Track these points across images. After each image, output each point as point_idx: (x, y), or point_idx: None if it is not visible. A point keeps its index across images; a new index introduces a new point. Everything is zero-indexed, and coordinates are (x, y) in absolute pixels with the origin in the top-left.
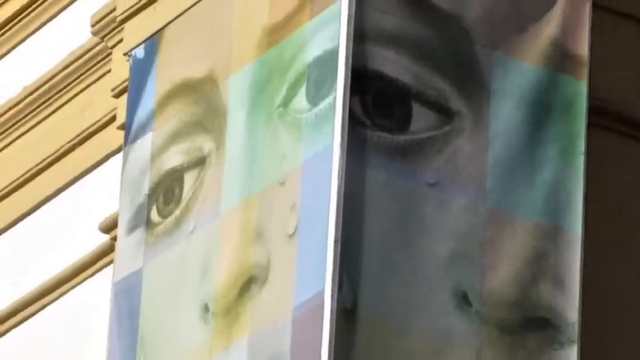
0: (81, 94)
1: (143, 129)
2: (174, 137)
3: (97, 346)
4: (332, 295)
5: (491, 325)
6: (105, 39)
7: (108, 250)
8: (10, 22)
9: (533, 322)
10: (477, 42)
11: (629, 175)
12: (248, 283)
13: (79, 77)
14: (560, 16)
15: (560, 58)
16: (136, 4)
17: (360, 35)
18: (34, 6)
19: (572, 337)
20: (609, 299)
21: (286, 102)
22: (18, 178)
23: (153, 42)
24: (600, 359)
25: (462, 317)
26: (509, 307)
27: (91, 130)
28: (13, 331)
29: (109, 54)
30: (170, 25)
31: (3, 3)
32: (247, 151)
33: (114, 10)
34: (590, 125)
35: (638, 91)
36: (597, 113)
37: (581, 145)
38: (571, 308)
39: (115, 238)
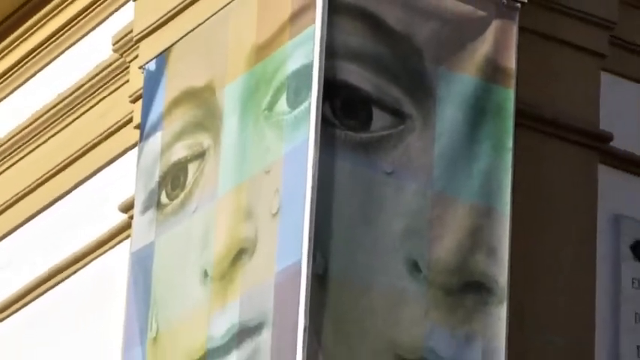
0: (104, 100)
1: (154, 128)
2: (180, 135)
3: (118, 304)
4: (307, 263)
5: (437, 288)
6: (124, 55)
7: (126, 226)
8: (47, 42)
9: (470, 286)
10: (426, 58)
11: (549, 166)
12: (239, 253)
13: (103, 86)
14: (492, 37)
15: (492, 71)
16: (149, 26)
17: (330, 52)
18: (66, 28)
19: (501, 297)
20: (533, 266)
21: (271, 106)
22: (54, 168)
23: (163, 58)
24: (525, 316)
25: (413, 281)
26: (451, 273)
27: (112, 129)
28: (50, 292)
29: (127, 67)
30: (177, 44)
31: (43, 25)
32: (239, 146)
33: (131, 31)
34: (517, 125)
35: (558, 97)
36: (523, 116)
37: (510, 142)
38: (501, 274)
39: (131, 217)
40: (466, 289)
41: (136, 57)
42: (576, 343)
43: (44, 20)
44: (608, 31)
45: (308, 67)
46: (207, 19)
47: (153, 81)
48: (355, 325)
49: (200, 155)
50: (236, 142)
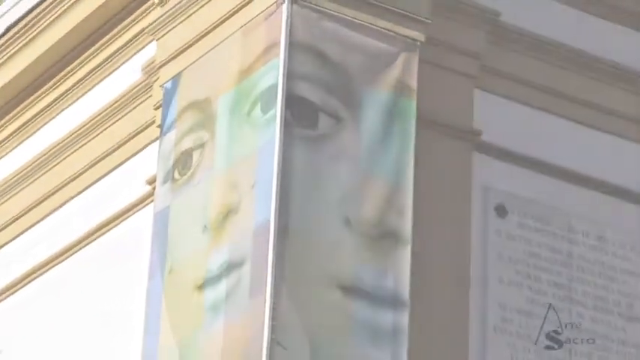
0: (136, 108)
1: (170, 127)
2: (188, 132)
3: (145, 250)
4: (274, 220)
5: (364, 237)
6: (149, 77)
7: (151, 194)
8: (98, 67)
9: (386, 235)
10: (355, 79)
11: (438, 153)
12: (228, 213)
13: (135, 98)
14: (400, 64)
15: (400, 88)
16: (167, 58)
17: (290, 76)
18: (110, 58)
19: (406, 243)
20: (428, 222)
21: (249, 112)
22: (102, 154)
23: (176, 79)
24: (423, 256)
25: (348, 232)
26: (373, 226)
27: (141, 127)
28: (98, 240)
29: (152, 86)
30: (185, 70)
31: (95, 55)
32: (228, 140)
33: (154, 61)
34: (417, 125)
35: (445, 105)
36: (421, 118)
37: (412, 137)
38: (406, 227)
39: (154, 188)
40: (383, 237)
41: (158, 79)
42: (457, 274)
43: (97, 52)
44: (479, 60)
45: (275, 86)
46: (206, 53)
47: (169, 95)
48: (308, 263)
49: (201, 146)
50: (226, 137)
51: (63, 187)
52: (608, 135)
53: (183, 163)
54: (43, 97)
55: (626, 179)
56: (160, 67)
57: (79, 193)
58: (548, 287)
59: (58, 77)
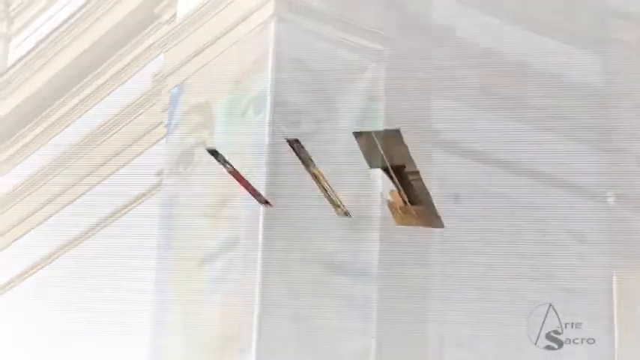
0: (147, 110)
1: (176, 127)
2: (190, 131)
3: (153, 233)
4: (264, 205)
5: (340, 221)
6: (159, 84)
7: (159, 184)
8: (117, 73)
9: (359, 219)
10: (332, 86)
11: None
12: (225, 201)
13: (146, 102)
14: (370, 74)
15: (370, 93)
16: (173, 68)
17: (277, 83)
18: (127, 67)
19: (375, 227)
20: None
21: (243, 114)
22: (119, 149)
23: (181, 86)
24: (388, 237)
25: (327, 216)
26: (348, 212)
27: (151, 127)
28: (111, 225)
29: (160, 91)
30: (189, 78)
31: (115, 63)
32: (225, 138)
33: (162, 70)
34: (385, 127)
35: (410, 108)
36: (388, 119)
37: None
38: (376, 212)
39: (162, 179)
40: (356, 221)
41: (166, 85)
42: (419, 252)
43: (114, 62)
44: (438, 70)
45: (265, 92)
46: (207, 63)
47: (175, 99)
48: (296, 242)
49: (202, 143)
50: (223, 135)
51: (82, 179)
52: (548, 133)
53: (186, 158)
54: (68, 101)
55: (562, 171)
56: (167, 75)
57: (98, 183)
58: None
59: (80, 84)
